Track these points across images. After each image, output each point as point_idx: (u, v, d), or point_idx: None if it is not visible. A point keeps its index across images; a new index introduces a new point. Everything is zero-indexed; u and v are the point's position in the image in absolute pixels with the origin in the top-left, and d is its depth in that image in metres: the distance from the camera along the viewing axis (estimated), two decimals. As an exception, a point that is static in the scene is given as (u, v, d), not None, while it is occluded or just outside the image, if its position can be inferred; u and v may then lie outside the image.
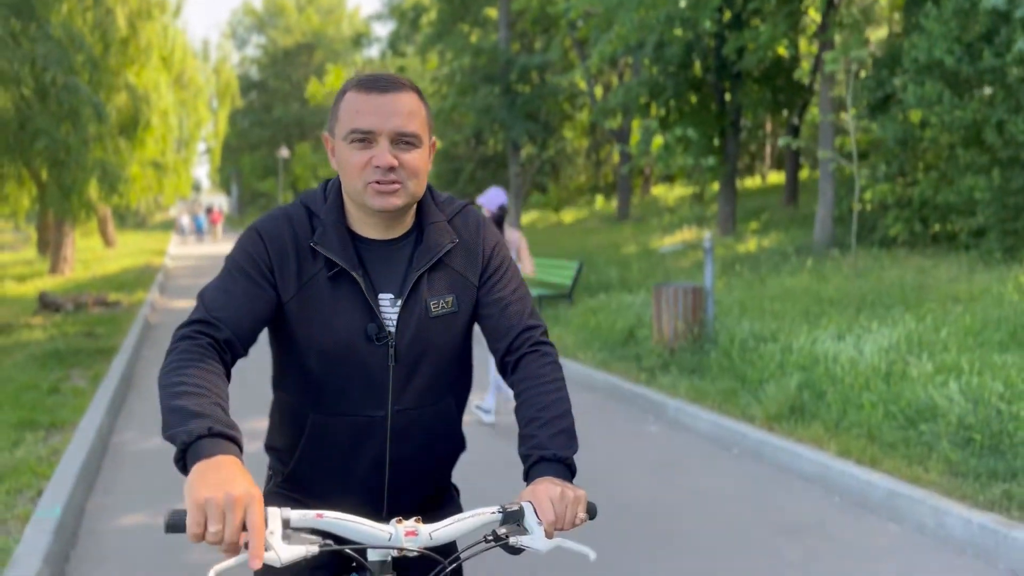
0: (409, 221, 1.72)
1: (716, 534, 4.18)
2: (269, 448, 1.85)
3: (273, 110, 55.97)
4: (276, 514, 1.30)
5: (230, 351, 1.57)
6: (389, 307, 1.67)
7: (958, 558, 3.87)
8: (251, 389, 6.50)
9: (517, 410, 1.66)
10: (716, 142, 17.00)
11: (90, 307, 13.57)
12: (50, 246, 21.91)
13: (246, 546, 1.22)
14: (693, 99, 17.30)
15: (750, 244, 15.38)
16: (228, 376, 1.54)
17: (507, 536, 1.43)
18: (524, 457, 1.58)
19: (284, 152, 44.09)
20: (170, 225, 54.03)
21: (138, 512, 4.54)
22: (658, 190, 33.72)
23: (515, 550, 1.45)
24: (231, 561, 1.24)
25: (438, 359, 1.73)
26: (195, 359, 1.48)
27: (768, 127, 29.70)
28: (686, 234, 18.84)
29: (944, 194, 11.10)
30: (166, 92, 23.74)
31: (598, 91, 26.41)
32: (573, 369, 7.99)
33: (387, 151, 1.57)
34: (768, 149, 32.98)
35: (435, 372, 1.73)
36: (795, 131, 18.00)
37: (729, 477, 5.06)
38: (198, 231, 38.25)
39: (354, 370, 1.67)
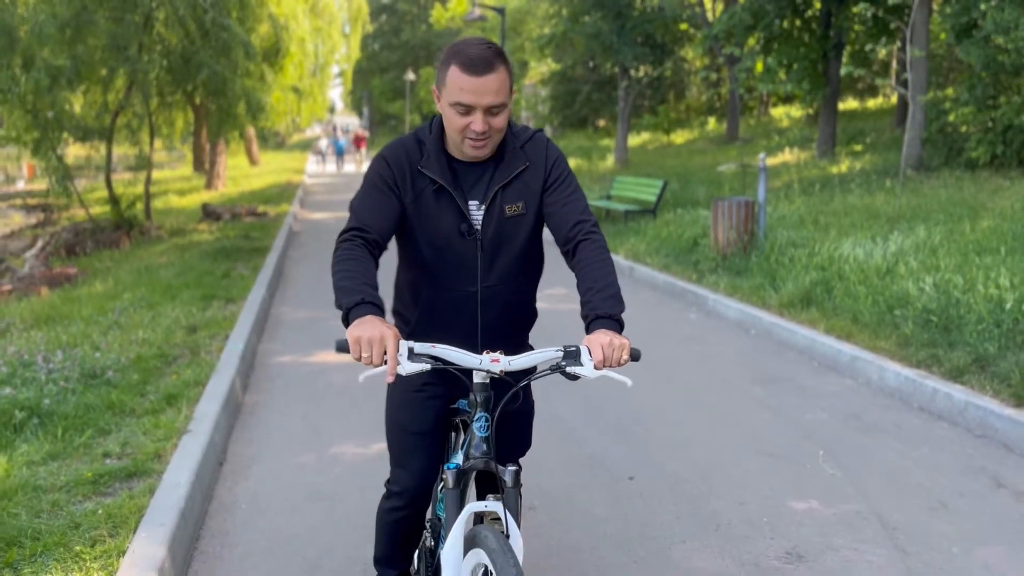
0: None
1: (706, 381, 5.57)
2: (395, 312, 2.42)
3: (401, 33, 57.76)
4: (405, 344, 1.90)
5: (376, 247, 2.12)
6: (476, 210, 2.19)
7: (886, 400, 5.13)
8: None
9: (578, 286, 2.09)
10: (819, 67, 17.41)
11: (243, 216, 15.88)
12: (205, 165, 24.65)
13: (385, 363, 1.83)
14: (797, 23, 17.68)
15: (843, 166, 15.99)
16: (376, 263, 2.10)
17: (565, 366, 1.93)
18: (584, 318, 2.02)
19: (410, 75, 45.91)
20: (307, 145, 56.76)
21: (292, 355, 6.34)
22: (777, 111, 33.62)
23: (571, 376, 1.95)
24: (375, 371, 1.87)
25: (513, 249, 2.23)
26: (352, 255, 2.05)
27: (893, 51, 29.06)
28: (787, 155, 19.47)
29: (1024, 118, 11.57)
30: (303, 20, 25.71)
31: (719, 9, 26.60)
32: (641, 271, 9.35)
33: (481, 120, 2.04)
34: (893, 68, 32.20)
35: (511, 259, 2.24)
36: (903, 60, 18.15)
37: (737, 348, 6.40)
38: (338, 155, 36.00)
39: (453, 257, 2.20)
